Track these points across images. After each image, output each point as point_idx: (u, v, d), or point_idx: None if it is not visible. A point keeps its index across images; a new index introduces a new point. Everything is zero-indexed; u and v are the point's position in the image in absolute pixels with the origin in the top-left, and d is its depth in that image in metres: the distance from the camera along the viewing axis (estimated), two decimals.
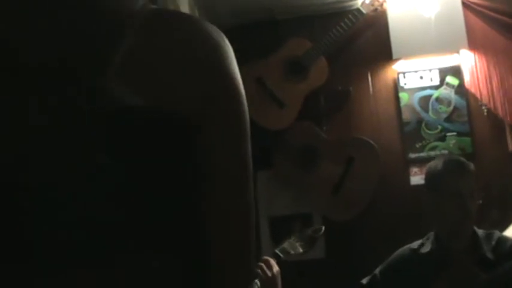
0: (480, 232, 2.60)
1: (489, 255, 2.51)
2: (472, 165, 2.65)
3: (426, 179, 2.75)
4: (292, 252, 2.57)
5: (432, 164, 2.74)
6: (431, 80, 3.89)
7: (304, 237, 2.66)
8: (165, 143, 0.79)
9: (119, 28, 0.78)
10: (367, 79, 3.98)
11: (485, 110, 3.78)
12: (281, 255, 2.56)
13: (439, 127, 3.83)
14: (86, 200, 0.74)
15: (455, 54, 3.88)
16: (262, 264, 2.46)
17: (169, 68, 0.80)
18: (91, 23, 0.77)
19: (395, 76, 3.94)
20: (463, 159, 2.74)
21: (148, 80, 0.78)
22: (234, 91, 0.90)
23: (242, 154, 0.90)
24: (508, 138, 3.74)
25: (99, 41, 0.76)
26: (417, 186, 3.68)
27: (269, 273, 2.44)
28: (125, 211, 0.76)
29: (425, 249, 2.66)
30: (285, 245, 2.60)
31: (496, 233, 2.61)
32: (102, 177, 0.73)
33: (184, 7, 3.43)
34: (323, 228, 2.73)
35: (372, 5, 3.85)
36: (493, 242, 2.56)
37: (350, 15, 3.83)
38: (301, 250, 2.60)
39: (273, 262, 2.48)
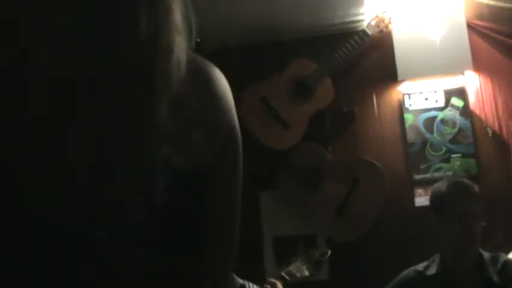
0: (486, 255, 2.59)
1: (495, 278, 2.49)
2: (476, 187, 2.64)
3: (431, 201, 2.74)
4: (298, 275, 2.56)
5: (437, 186, 2.73)
6: (436, 101, 3.90)
7: (310, 260, 2.66)
8: (185, 192, 0.85)
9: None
10: (372, 100, 3.98)
11: (490, 132, 3.78)
12: (287, 277, 2.55)
13: (444, 148, 3.83)
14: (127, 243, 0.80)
15: (461, 76, 3.88)
16: (268, 286, 2.46)
17: (198, 126, 0.85)
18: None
19: (401, 97, 3.94)
20: (468, 181, 2.73)
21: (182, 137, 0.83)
22: (239, 140, 0.97)
23: (238, 195, 0.97)
24: None
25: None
26: (422, 208, 3.67)
27: None
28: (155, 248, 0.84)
29: (431, 271, 2.65)
30: (291, 267, 2.60)
31: (502, 256, 2.60)
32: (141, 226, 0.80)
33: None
34: (329, 252, 2.73)
35: (378, 26, 3.87)
36: (499, 265, 2.54)
37: (355, 37, 3.85)
38: (307, 273, 2.59)
39: (279, 285, 2.48)
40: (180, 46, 0.85)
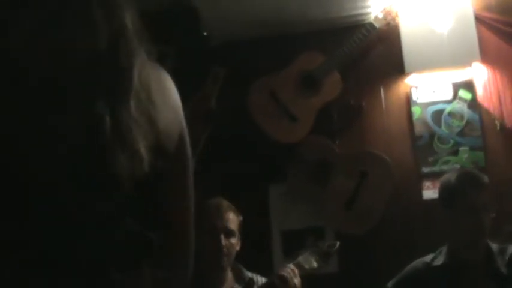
0: (494, 246, 2.59)
1: (503, 269, 2.49)
2: (486, 178, 2.63)
3: (440, 192, 2.73)
4: (307, 266, 2.57)
5: (446, 177, 2.73)
6: (444, 94, 3.89)
7: (319, 252, 2.66)
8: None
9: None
10: (380, 93, 3.98)
11: (498, 124, 3.77)
12: (296, 268, 2.57)
13: (452, 141, 3.83)
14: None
15: (468, 68, 3.87)
16: (290, 271, 2.47)
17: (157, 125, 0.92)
18: None
19: (408, 90, 3.94)
20: (477, 171, 2.72)
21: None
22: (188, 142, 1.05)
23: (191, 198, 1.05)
24: None
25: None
26: (430, 201, 3.67)
27: (294, 280, 2.47)
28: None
29: (438, 262, 2.65)
30: (300, 259, 2.61)
31: (510, 248, 2.59)
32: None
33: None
34: (338, 243, 2.74)
35: (385, 19, 3.86)
36: (507, 257, 2.54)
37: (363, 30, 3.84)
38: (315, 265, 2.60)
39: (297, 272, 2.50)
40: (138, 48, 0.92)
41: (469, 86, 3.87)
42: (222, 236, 2.70)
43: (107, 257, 0.83)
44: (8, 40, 0.79)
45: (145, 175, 0.85)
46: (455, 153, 3.81)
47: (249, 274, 2.84)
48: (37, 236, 0.78)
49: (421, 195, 3.80)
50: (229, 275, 2.78)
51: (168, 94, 0.98)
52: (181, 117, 1.00)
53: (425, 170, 3.82)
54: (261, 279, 2.80)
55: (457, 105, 3.86)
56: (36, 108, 0.78)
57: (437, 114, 3.87)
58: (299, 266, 2.57)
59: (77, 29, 0.84)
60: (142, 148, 0.84)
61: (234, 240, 2.75)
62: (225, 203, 2.80)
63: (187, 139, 1.01)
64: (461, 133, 3.83)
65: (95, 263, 0.82)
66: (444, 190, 2.69)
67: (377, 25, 3.85)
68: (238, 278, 2.81)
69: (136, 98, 0.86)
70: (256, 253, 3.43)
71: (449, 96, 3.88)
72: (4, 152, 0.76)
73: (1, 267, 0.77)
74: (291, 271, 2.50)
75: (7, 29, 0.79)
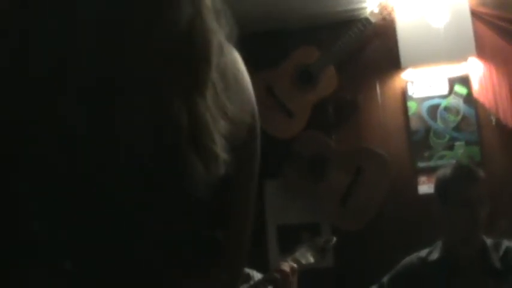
0: (489, 241, 2.60)
1: (497, 264, 2.50)
2: (481, 172, 2.64)
3: (436, 186, 2.74)
4: (304, 262, 2.57)
5: (442, 171, 2.73)
6: (439, 89, 3.89)
7: (315, 247, 2.66)
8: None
9: None
10: (376, 88, 3.98)
11: (494, 119, 3.77)
12: (295, 264, 2.56)
13: (448, 136, 3.83)
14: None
15: (464, 63, 3.87)
16: (290, 266, 2.47)
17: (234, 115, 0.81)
18: None
19: (404, 85, 3.94)
20: (472, 166, 2.73)
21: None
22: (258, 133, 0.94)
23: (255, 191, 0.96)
24: None
25: None
26: (425, 195, 3.68)
27: (291, 278, 2.47)
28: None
29: (433, 256, 2.66)
30: (297, 254, 2.60)
31: (505, 242, 2.60)
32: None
33: None
34: (334, 238, 2.74)
35: (381, 14, 3.86)
36: (501, 252, 2.55)
37: (359, 24, 3.84)
38: (312, 260, 2.60)
39: (296, 268, 2.50)
40: (219, 30, 0.80)
41: (464, 81, 3.88)
42: None
43: (176, 259, 0.78)
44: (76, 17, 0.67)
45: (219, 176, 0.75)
46: (451, 148, 3.81)
47: (245, 270, 2.84)
48: (108, 241, 0.73)
49: (416, 190, 3.81)
50: None
51: (241, 79, 0.85)
52: (254, 106, 0.88)
53: (421, 164, 3.83)
54: (257, 275, 2.79)
55: (453, 100, 3.86)
56: (102, 105, 0.68)
57: (433, 109, 3.87)
58: (296, 261, 2.57)
59: (156, 4, 0.71)
60: (219, 148, 0.74)
61: None
62: None
63: (258, 132, 0.90)
64: (457, 128, 3.83)
65: (164, 265, 0.77)
66: (439, 185, 2.70)
67: (373, 20, 3.85)
68: None
69: (212, 89, 0.75)
70: (252, 249, 3.42)
71: (445, 91, 3.89)
72: (71, 157, 0.68)
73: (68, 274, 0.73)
74: (290, 266, 2.50)
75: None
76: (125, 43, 0.68)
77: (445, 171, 2.69)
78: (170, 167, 0.71)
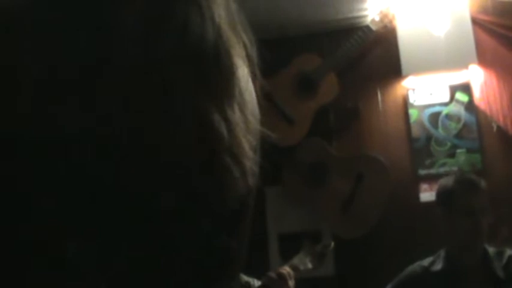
0: (491, 250, 2.59)
1: (500, 273, 2.50)
2: (483, 182, 2.65)
3: (438, 196, 2.74)
4: (302, 267, 2.57)
5: (444, 181, 2.74)
6: (441, 96, 3.89)
7: (313, 252, 2.66)
8: None
9: None
10: (377, 95, 3.98)
11: (495, 127, 3.77)
12: (292, 271, 2.56)
13: (449, 143, 3.82)
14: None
15: (465, 71, 3.87)
16: (285, 274, 2.47)
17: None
18: None
19: (405, 93, 3.94)
20: (475, 176, 2.73)
21: None
22: None
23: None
24: None
25: None
26: (427, 203, 3.67)
27: (289, 283, 2.46)
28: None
29: (437, 267, 2.65)
30: (295, 260, 2.60)
31: (507, 251, 2.60)
32: None
33: None
34: (332, 243, 2.73)
35: (382, 21, 3.86)
36: (504, 260, 2.55)
37: (360, 32, 3.84)
38: (310, 266, 2.60)
39: (292, 275, 2.49)
40: (237, 43, 0.79)
41: (466, 88, 3.87)
42: None
43: (200, 270, 0.76)
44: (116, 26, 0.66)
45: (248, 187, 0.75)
46: (452, 155, 3.81)
47: (245, 278, 2.83)
48: (144, 260, 0.71)
49: (418, 197, 3.80)
50: None
51: (252, 90, 0.86)
52: (258, 114, 0.89)
53: (422, 172, 3.82)
54: (257, 283, 2.79)
55: (454, 108, 3.86)
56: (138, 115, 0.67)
57: (434, 117, 3.87)
58: (294, 267, 2.57)
59: (187, 16, 0.69)
60: (249, 159, 0.76)
61: None
62: None
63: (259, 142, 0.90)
64: (458, 135, 3.83)
65: (188, 276, 0.76)
66: (442, 194, 2.70)
67: (374, 28, 3.85)
68: (235, 281, 2.79)
69: (237, 100, 0.73)
70: (253, 256, 3.42)
71: (446, 98, 3.88)
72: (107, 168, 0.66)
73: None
74: (287, 273, 2.50)
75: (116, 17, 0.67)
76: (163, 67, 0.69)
77: (447, 181, 2.69)
78: (211, 178, 0.70)
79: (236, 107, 0.72)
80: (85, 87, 0.66)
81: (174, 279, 0.73)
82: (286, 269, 2.51)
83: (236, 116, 0.72)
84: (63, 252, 0.67)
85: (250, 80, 0.83)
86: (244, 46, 0.82)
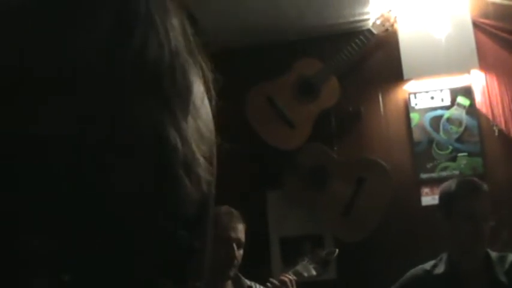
0: (493, 254, 2.59)
1: (502, 278, 2.49)
2: (486, 187, 2.64)
3: (440, 200, 2.73)
4: (306, 274, 2.57)
5: (446, 185, 2.73)
6: (442, 100, 3.89)
7: (317, 259, 2.67)
8: None
9: None
10: (378, 99, 3.98)
11: (497, 130, 3.77)
12: (295, 277, 2.57)
13: (450, 147, 3.82)
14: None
15: (466, 75, 3.88)
16: (287, 281, 2.47)
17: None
18: None
19: (406, 96, 3.94)
20: (477, 180, 2.72)
21: None
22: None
23: None
24: None
25: None
26: (428, 207, 3.67)
27: None
28: None
29: (439, 270, 2.65)
30: (299, 267, 2.61)
31: (510, 256, 2.59)
32: None
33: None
34: (336, 251, 2.74)
35: (383, 25, 3.87)
36: (506, 265, 2.54)
37: (361, 36, 3.85)
38: (314, 272, 2.60)
39: (294, 282, 2.50)
40: (192, 59, 0.86)
41: (467, 92, 3.88)
42: (235, 247, 2.69)
43: (161, 270, 0.81)
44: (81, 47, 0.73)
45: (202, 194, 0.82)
46: (454, 159, 3.81)
47: (248, 282, 2.83)
48: (106, 255, 0.75)
49: (419, 201, 3.80)
50: (229, 283, 2.78)
51: (206, 105, 0.94)
52: (213, 127, 0.97)
53: (424, 176, 3.82)
54: (259, 287, 2.79)
55: (456, 112, 3.86)
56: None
57: (436, 121, 3.87)
58: (298, 274, 2.57)
59: (145, 39, 0.79)
60: (202, 170, 0.81)
61: (242, 251, 2.75)
62: (235, 213, 2.79)
63: (215, 153, 0.98)
64: (459, 139, 3.83)
65: (151, 276, 0.80)
66: (444, 198, 2.69)
67: (375, 31, 3.86)
68: (238, 286, 2.80)
69: (192, 114, 0.83)
70: (255, 260, 3.42)
71: (447, 102, 3.89)
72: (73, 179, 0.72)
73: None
74: (289, 280, 2.50)
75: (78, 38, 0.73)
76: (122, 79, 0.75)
77: (450, 185, 2.68)
78: (167, 189, 0.76)
79: (191, 120, 0.77)
80: (44, 99, 0.70)
81: (135, 278, 0.76)
82: (288, 276, 2.52)
83: (190, 128, 0.76)
84: (23, 247, 0.70)
85: (205, 96, 0.91)
86: (201, 67, 0.90)
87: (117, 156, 0.71)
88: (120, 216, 0.72)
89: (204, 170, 0.80)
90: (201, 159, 0.77)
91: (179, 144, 0.75)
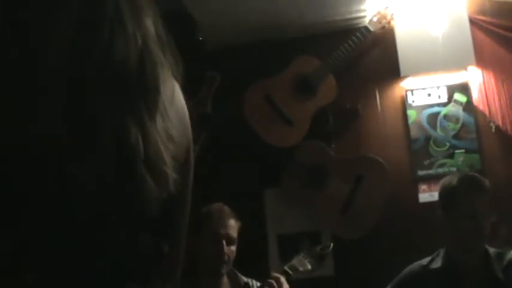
0: (492, 251, 2.57)
1: (500, 275, 2.48)
2: (487, 182, 2.60)
3: (441, 195, 2.69)
4: (301, 269, 2.57)
5: (447, 180, 2.69)
6: (439, 97, 3.89)
7: (312, 254, 2.67)
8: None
9: None
10: (375, 97, 3.98)
11: (494, 127, 3.77)
12: (290, 272, 2.57)
13: (447, 144, 3.83)
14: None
15: (463, 72, 3.88)
16: (273, 281, 2.47)
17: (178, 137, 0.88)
18: None
19: (403, 93, 3.94)
20: (478, 175, 2.68)
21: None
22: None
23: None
24: None
25: None
26: (426, 204, 3.67)
27: (285, 285, 2.47)
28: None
29: (436, 265, 2.64)
30: (294, 262, 2.61)
31: (508, 253, 2.57)
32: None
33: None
34: (331, 245, 2.74)
35: (380, 22, 3.87)
36: (505, 262, 2.53)
37: (358, 33, 3.85)
38: (309, 267, 2.60)
39: (283, 280, 2.49)
40: (165, 62, 0.87)
41: (464, 88, 3.88)
42: (224, 243, 2.69)
43: (126, 269, 0.81)
44: (42, 43, 0.72)
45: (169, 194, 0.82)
46: (451, 156, 3.81)
47: (245, 279, 2.84)
48: (68, 255, 0.75)
49: (417, 198, 3.80)
50: (225, 280, 2.78)
51: (178, 104, 0.92)
52: (189, 129, 0.97)
53: (421, 173, 3.82)
54: (256, 284, 2.79)
55: (453, 108, 3.86)
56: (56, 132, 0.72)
57: (433, 117, 3.88)
58: (293, 268, 2.57)
59: (112, 37, 0.77)
60: (169, 168, 0.81)
61: (234, 247, 2.75)
62: (227, 209, 2.80)
63: (192, 152, 0.98)
64: (456, 136, 3.83)
65: (115, 274, 0.80)
66: (445, 193, 2.66)
67: (372, 29, 3.86)
68: (234, 283, 2.81)
69: (160, 115, 0.82)
70: (253, 257, 3.42)
71: (444, 99, 3.89)
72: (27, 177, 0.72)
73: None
74: (281, 276, 2.51)
75: (42, 32, 0.72)
76: (88, 75, 0.75)
77: (451, 180, 2.64)
78: (128, 187, 0.77)
79: (159, 119, 0.79)
80: (13, 100, 0.72)
81: (101, 277, 0.77)
82: (276, 275, 2.52)
83: (158, 126, 0.79)
84: None
85: (178, 93, 0.91)
86: (172, 64, 0.90)
87: (77, 155, 0.72)
88: (80, 214, 0.73)
89: (172, 169, 0.80)
90: (169, 159, 0.79)
91: (141, 143, 0.75)
